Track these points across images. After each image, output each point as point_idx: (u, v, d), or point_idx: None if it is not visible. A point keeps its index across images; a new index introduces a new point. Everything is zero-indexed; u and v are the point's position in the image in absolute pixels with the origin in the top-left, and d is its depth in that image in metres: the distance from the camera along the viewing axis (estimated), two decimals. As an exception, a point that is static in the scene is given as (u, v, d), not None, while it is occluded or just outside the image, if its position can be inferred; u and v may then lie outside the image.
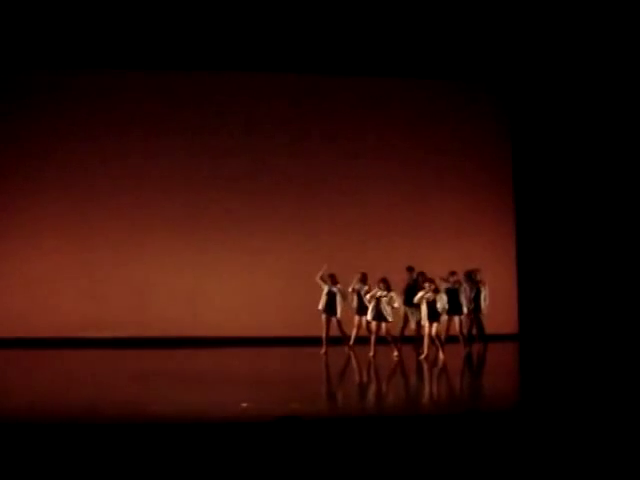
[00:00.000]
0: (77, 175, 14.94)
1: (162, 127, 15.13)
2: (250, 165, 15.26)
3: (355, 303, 13.20)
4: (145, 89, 15.19)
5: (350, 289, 13.19)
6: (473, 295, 13.17)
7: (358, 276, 13.21)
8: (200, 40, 14.29)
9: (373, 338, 12.77)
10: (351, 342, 13.34)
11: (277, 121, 15.38)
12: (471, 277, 13.23)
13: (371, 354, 12.69)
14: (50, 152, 14.88)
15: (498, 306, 13.82)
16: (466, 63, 15.09)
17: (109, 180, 14.99)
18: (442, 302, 12.53)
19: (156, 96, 15.19)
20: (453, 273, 13.07)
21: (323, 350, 13.18)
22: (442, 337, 12.72)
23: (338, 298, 13.23)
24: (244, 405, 8.77)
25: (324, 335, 13.27)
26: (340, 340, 13.43)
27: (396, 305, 12.69)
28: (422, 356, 12.59)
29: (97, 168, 14.96)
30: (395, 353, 12.81)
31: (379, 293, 12.59)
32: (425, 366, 12.25)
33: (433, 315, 12.50)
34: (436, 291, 12.49)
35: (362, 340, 13.15)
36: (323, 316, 13.29)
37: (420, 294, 12.60)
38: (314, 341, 13.39)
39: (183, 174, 15.14)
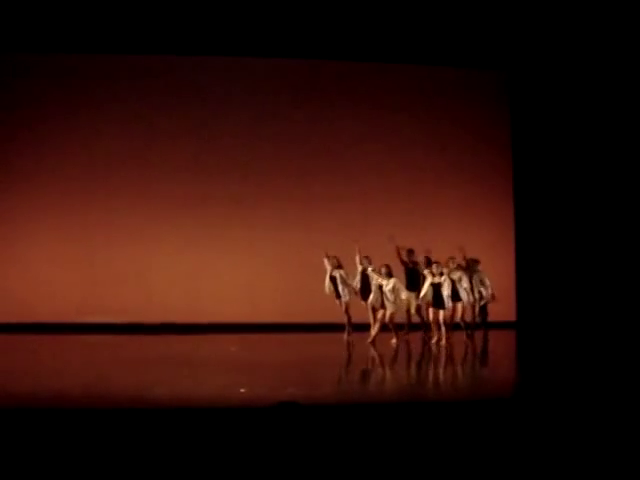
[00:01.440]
0: (77, 160, 14.94)
1: (163, 111, 15.10)
2: (250, 151, 15.25)
3: (358, 284, 13.18)
4: (149, 72, 15.15)
5: (358, 266, 13.13)
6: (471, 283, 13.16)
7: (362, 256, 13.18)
8: (205, 24, 14.25)
9: (377, 325, 12.73)
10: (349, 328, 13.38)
11: (278, 108, 15.35)
12: (469, 266, 13.22)
13: (370, 340, 12.70)
14: (49, 135, 14.86)
15: (496, 294, 13.82)
16: (468, 50, 15.06)
17: (109, 165, 14.99)
18: (448, 290, 12.55)
19: (158, 79, 15.17)
20: (452, 258, 13.02)
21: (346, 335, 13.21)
22: (448, 323, 12.75)
23: (339, 282, 13.22)
24: (242, 390, 8.80)
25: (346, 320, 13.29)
26: (342, 326, 13.45)
27: (404, 297, 12.60)
28: (433, 340, 12.64)
29: (97, 152, 14.95)
30: (394, 340, 12.81)
31: (380, 280, 12.54)
32: (423, 353, 12.27)
33: (438, 301, 12.53)
34: (441, 274, 12.48)
35: (363, 327, 13.19)
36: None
37: (427, 281, 12.58)
38: (313, 327, 13.42)
39: (184, 159, 15.12)
